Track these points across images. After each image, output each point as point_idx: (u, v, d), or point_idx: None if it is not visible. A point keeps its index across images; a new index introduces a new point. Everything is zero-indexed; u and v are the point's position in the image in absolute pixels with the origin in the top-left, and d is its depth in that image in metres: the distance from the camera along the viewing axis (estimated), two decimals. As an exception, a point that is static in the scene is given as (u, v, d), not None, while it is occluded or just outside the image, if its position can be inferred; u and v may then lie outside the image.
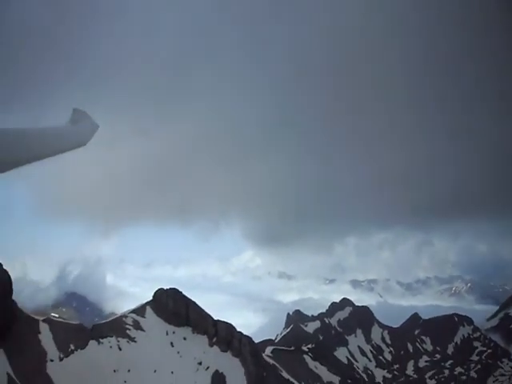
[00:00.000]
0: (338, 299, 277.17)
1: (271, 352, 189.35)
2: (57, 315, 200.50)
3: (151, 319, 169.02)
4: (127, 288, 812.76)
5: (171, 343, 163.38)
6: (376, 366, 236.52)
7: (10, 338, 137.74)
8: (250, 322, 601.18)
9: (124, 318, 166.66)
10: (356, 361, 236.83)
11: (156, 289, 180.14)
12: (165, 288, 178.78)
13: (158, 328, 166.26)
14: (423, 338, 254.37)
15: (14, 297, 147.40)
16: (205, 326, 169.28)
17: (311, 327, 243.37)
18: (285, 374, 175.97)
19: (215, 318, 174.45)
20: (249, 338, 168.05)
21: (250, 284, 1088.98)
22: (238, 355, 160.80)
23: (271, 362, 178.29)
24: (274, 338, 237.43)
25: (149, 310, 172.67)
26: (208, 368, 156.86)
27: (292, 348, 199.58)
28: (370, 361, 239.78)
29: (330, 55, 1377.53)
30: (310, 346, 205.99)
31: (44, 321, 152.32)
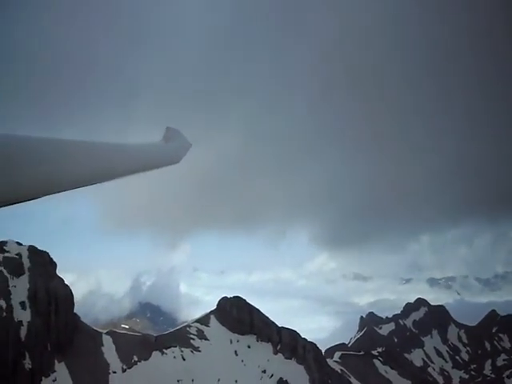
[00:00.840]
0: (414, 299, 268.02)
1: (339, 357, 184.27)
2: (127, 326, 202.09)
3: (215, 328, 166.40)
4: (201, 296, 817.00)
5: (235, 352, 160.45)
6: (453, 367, 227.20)
7: (72, 352, 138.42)
8: (323, 326, 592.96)
9: (188, 328, 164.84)
10: (432, 362, 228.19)
11: (230, 296, 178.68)
12: (228, 296, 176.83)
13: (222, 337, 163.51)
14: (501, 335, 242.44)
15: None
16: (269, 334, 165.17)
17: (385, 329, 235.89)
18: (353, 380, 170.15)
19: (282, 325, 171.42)
20: (313, 345, 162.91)
21: (324, 287, 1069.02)
22: (303, 362, 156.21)
23: (339, 367, 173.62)
24: (347, 342, 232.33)
25: (213, 318, 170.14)
26: (272, 376, 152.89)
27: (361, 352, 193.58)
28: (446, 362, 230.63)
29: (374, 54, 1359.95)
30: (380, 349, 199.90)
31: (107, 333, 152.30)
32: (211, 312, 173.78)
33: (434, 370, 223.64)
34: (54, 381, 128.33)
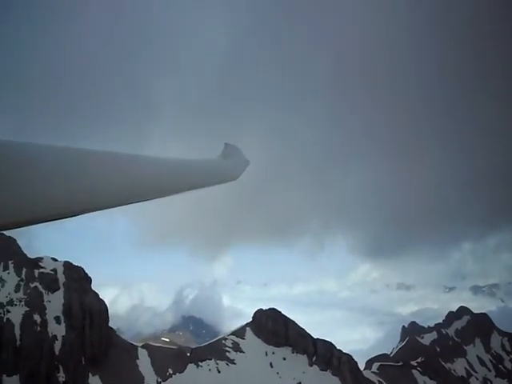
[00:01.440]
0: (457, 307, 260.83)
1: (377, 368, 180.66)
2: (167, 339, 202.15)
3: (251, 340, 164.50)
4: (244, 309, 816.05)
5: (270, 364, 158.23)
6: (496, 376, 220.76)
7: (107, 365, 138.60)
8: (366, 337, 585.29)
9: (224, 341, 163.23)
10: (475, 371, 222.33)
11: (266, 308, 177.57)
12: (264, 308, 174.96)
13: (257, 349, 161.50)
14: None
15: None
16: (304, 345, 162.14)
17: (428, 339, 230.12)
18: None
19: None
20: (348, 356, 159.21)
21: (366, 298, 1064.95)
22: (338, 374, 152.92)
23: (377, 378, 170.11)
24: (389, 352, 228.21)
25: (248, 331, 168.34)
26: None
27: (400, 363, 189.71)
28: (489, 371, 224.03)
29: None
30: (419, 360, 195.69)
31: (143, 347, 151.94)
32: (247, 324, 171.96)
33: (477, 379, 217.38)
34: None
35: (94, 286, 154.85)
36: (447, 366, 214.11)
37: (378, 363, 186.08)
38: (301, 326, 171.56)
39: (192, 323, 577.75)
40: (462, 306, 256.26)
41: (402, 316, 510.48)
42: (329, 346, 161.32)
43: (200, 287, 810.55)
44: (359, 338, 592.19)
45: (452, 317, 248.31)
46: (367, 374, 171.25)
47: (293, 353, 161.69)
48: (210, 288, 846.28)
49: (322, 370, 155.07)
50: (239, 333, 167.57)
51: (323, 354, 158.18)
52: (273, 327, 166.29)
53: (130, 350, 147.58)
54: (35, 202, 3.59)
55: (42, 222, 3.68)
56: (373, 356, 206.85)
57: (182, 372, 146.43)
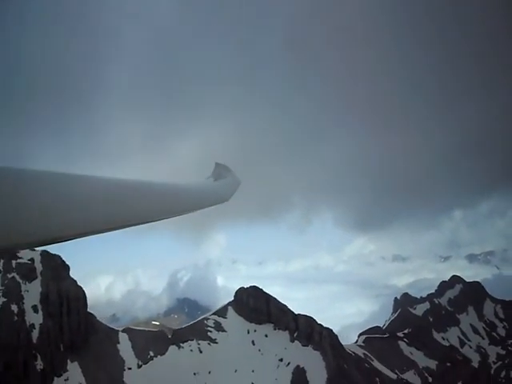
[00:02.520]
0: (450, 277, 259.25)
1: (363, 341, 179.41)
2: (157, 323, 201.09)
3: (232, 319, 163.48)
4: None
5: (252, 341, 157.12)
6: (489, 344, 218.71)
7: (87, 351, 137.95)
8: (362, 310, 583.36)
9: (205, 321, 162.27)
10: (469, 340, 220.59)
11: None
12: (245, 286, 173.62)
13: (239, 327, 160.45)
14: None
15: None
16: (286, 322, 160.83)
17: (420, 310, 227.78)
18: (376, 363, 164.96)
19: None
20: (329, 330, 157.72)
21: (363, 271, 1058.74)
22: (319, 348, 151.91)
23: (362, 351, 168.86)
24: (382, 325, 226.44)
25: (230, 310, 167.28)
26: (289, 364, 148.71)
27: (386, 335, 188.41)
28: (483, 338, 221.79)
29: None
30: (406, 331, 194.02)
31: (123, 331, 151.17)
32: (229, 303, 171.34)
33: (471, 347, 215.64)
34: (66, 380, 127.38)
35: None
36: (439, 335, 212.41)
37: (364, 336, 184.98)
38: (283, 301, 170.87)
39: (187, 305, 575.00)
40: (454, 275, 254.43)
41: (398, 288, 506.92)
42: (310, 321, 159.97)
43: (193, 269, 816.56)
44: (355, 312, 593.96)
45: (444, 286, 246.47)
46: (353, 347, 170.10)
47: (275, 329, 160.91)
48: (204, 269, 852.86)
49: (303, 345, 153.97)
50: (221, 312, 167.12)
51: (304, 330, 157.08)
52: (254, 305, 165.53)
53: (111, 335, 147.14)
54: (28, 227, 3.70)
55: (35, 246, 3.85)
56: (367, 329, 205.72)
57: (164, 354, 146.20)
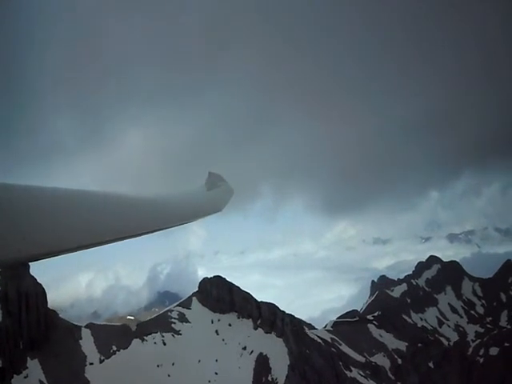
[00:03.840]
0: (427, 257, 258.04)
1: (331, 326, 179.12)
2: (132, 317, 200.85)
3: (197, 310, 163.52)
4: None
5: (216, 331, 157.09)
6: (468, 322, 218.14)
7: (48, 348, 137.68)
8: (341, 295, 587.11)
9: (170, 313, 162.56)
10: (447, 319, 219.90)
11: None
12: (209, 276, 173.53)
13: (203, 318, 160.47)
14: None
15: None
16: (249, 310, 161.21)
17: (398, 291, 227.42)
18: (344, 347, 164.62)
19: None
20: (291, 317, 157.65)
21: (343, 256, 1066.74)
22: (282, 335, 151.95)
23: (330, 336, 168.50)
24: (360, 308, 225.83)
25: (194, 300, 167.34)
26: (252, 352, 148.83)
27: (356, 319, 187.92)
28: (461, 317, 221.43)
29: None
30: (375, 314, 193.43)
31: (86, 326, 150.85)
32: (193, 294, 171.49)
33: (449, 326, 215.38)
34: (25, 377, 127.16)
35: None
36: (417, 316, 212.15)
37: (332, 320, 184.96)
38: (245, 290, 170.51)
39: (168, 298, 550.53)
40: (431, 256, 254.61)
41: (379, 270, 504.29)
42: (272, 308, 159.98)
43: (173, 262, 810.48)
44: (335, 297, 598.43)
45: (422, 267, 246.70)
46: (321, 332, 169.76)
47: (238, 318, 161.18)
48: (184, 261, 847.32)
49: (266, 332, 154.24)
50: (185, 303, 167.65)
51: (267, 317, 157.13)
52: (217, 294, 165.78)
53: (73, 331, 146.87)
54: (23, 241, 3.77)
55: (29, 261, 3.93)
56: (343, 313, 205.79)
57: (127, 348, 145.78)
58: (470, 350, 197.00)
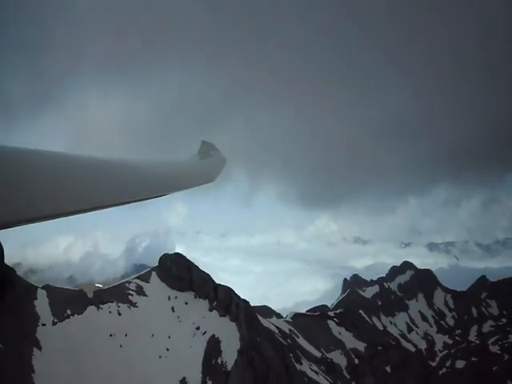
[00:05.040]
0: (401, 262, 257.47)
1: (291, 317, 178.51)
2: (101, 285, 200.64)
3: (155, 284, 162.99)
4: (198, 258, 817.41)
5: (172, 308, 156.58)
6: (437, 332, 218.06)
7: (1, 306, 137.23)
8: (317, 288, 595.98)
9: (128, 284, 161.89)
10: (416, 326, 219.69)
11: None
12: (169, 253, 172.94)
13: (160, 293, 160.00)
14: (489, 301, 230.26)
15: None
16: (206, 291, 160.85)
17: (369, 292, 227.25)
18: (301, 340, 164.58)
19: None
20: (246, 303, 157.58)
21: (323, 250, 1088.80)
22: (235, 320, 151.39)
23: (288, 327, 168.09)
24: (331, 304, 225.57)
25: (154, 275, 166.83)
26: (205, 333, 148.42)
27: (317, 313, 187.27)
28: (431, 326, 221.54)
29: None
30: (337, 311, 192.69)
31: (43, 288, 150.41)
32: (153, 269, 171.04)
33: (418, 334, 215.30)
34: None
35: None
36: (382, 319, 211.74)
37: (293, 312, 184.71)
38: (204, 270, 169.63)
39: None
40: (406, 261, 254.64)
41: (357, 269, 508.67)
42: (229, 291, 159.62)
43: (153, 235, 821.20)
44: (310, 290, 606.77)
45: (395, 271, 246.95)
46: (280, 322, 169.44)
47: (195, 298, 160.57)
48: (163, 237, 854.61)
49: (221, 315, 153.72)
50: (144, 277, 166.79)
51: (223, 300, 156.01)
52: (177, 272, 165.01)
53: (30, 291, 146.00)
54: (26, 204, 3.78)
55: (31, 222, 3.88)
56: (313, 306, 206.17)
57: (81, 314, 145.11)
58: (437, 359, 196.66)
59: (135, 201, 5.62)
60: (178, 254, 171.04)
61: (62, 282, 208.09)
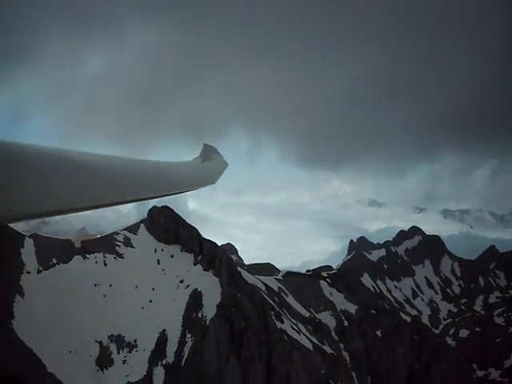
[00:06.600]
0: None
1: (282, 276, 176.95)
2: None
3: (142, 236, 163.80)
4: (211, 214, 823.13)
5: (158, 260, 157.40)
6: (442, 299, 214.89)
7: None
8: (325, 249, 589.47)
9: (115, 235, 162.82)
10: (422, 293, 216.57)
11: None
12: (158, 206, 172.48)
13: (147, 245, 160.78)
14: (497, 272, 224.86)
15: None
16: (192, 245, 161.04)
17: (375, 255, 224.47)
18: (290, 299, 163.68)
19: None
20: (229, 258, 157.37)
21: (337, 212, 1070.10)
22: (218, 275, 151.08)
23: (277, 285, 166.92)
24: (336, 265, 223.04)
25: (142, 227, 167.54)
26: (188, 286, 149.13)
27: (309, 273, 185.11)
28: (436, 293, 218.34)
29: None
30: (331, 272, 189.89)
31: (30, 236, 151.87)
32: (141, 221, 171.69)
33: (423, 300, 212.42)
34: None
35: None
36: (392, 283, 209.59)
37: (285, 270, 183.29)
38: (192, 224, 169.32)
39: None
40: (414, 226, 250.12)
41: (369, 232, 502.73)
42: (213, 246, 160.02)
43: None
44: (318, 250, 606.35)
45: (403, 236, 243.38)
46: (270, 280, 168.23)
47: (181, 251, 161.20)
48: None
49: (204, 269, 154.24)
50: (132, 228, 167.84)
51: (207, 254, 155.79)
52: (165, 224, 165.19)
53: (17, 239, 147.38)
54: (31, 200, 3.83)
55: (36, 218, 3.94)
56: (317, 266, 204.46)
57: (67, 263, 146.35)
58: (441, 327, 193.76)
59: (138, 200, 5.75)
60: (166, 206, 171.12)
61: (74, 234, 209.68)
